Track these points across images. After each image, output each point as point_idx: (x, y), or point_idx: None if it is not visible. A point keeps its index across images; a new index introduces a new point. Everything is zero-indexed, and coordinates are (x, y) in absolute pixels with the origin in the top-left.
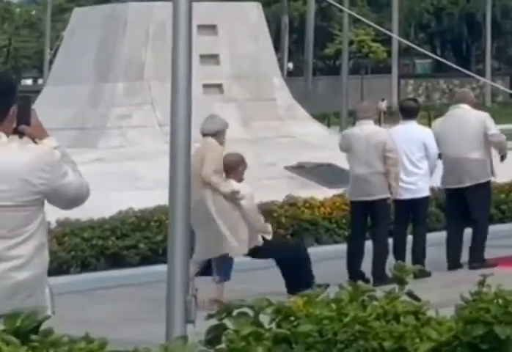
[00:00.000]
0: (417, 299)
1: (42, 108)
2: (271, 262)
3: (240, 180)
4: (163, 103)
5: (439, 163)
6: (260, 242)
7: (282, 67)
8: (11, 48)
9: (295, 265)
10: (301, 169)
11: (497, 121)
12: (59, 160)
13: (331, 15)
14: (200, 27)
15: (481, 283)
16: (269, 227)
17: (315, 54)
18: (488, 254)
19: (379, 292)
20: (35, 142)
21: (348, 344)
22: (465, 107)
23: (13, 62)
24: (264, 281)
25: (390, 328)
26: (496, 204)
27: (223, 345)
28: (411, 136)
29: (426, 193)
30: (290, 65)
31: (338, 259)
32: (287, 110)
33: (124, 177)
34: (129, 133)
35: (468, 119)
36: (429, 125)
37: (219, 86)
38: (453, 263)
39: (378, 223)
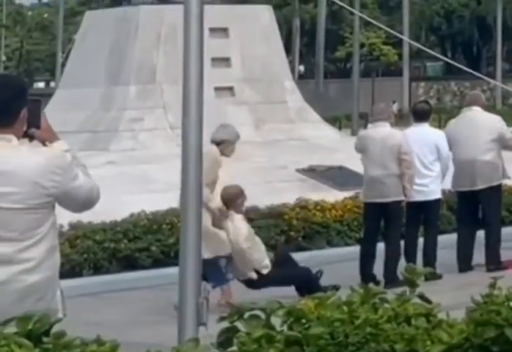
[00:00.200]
0: (428, 301)
1: (54, 112)
2: None
3: (239, 212)
4: (174, 106)
5: (451, 166)
6: (253, 276)
7: (293, 70)
8: (23, 50)
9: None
10: (312, 171)
11: (508, 123)
12: (70, 163)
13: (342, 17)
14: (212, 30)
15: (492, 285)
16: (266, 261)
17: (326, 57)
18: None
19: (390, 294)
20: (45, 145)
21: (359, 346)
22: (477, 109)
23: (25, 65)
24: None
25: (401, 330)
26: (506, 207)
27: (235, 348)
28: (423, 139)
29: (438, 195)
30: (301, 68)
31: (349, 262)
32: (299, 113)
33: (136, 179)
34: (141, 136)
35: (480, 121)
36: (440, 128)
37: (231, 88)
38: (464, 265)
39: (391, 225)
